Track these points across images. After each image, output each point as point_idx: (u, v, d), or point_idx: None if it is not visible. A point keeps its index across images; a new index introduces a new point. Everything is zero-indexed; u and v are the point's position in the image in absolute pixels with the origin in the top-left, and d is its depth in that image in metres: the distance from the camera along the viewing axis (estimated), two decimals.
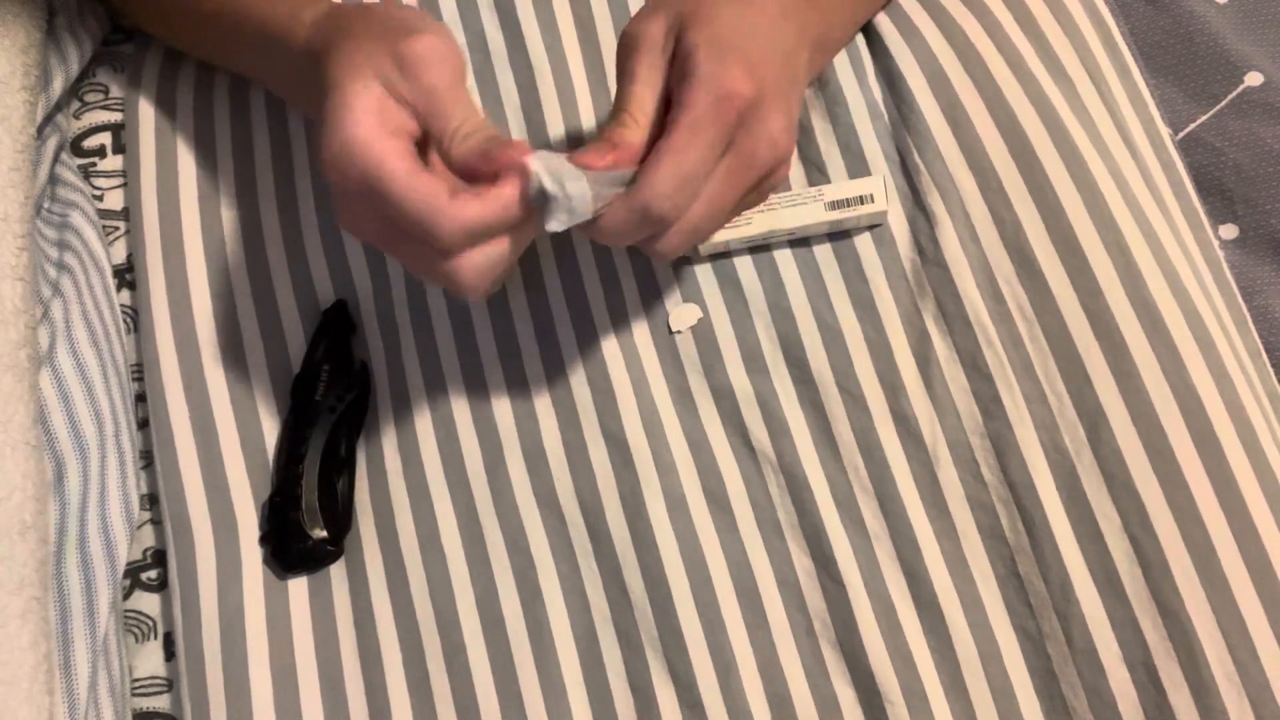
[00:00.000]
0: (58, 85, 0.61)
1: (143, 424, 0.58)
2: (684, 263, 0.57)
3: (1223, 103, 0.70)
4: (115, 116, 0.64)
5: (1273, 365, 0.57)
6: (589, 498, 0.54)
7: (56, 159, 0.61)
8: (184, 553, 0.54)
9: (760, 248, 0.56)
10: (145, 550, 0.57)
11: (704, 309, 0.56)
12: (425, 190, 0.42)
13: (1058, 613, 0.50)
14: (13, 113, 0.55)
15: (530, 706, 0.51)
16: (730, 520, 0.53)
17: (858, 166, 0.57)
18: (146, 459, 0.57)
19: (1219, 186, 0.69)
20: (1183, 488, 0.50)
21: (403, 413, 0.56)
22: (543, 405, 0.55)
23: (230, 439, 0.56)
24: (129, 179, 0.62)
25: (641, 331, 0.56)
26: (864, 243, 0.56)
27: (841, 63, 0.59)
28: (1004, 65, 0.57)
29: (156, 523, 0.57)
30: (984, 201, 0.55)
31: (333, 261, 0.59)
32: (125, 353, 0.59)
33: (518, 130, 0.59)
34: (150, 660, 0.55)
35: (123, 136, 0.64)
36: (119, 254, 0.61)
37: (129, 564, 0.56)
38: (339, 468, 0.55)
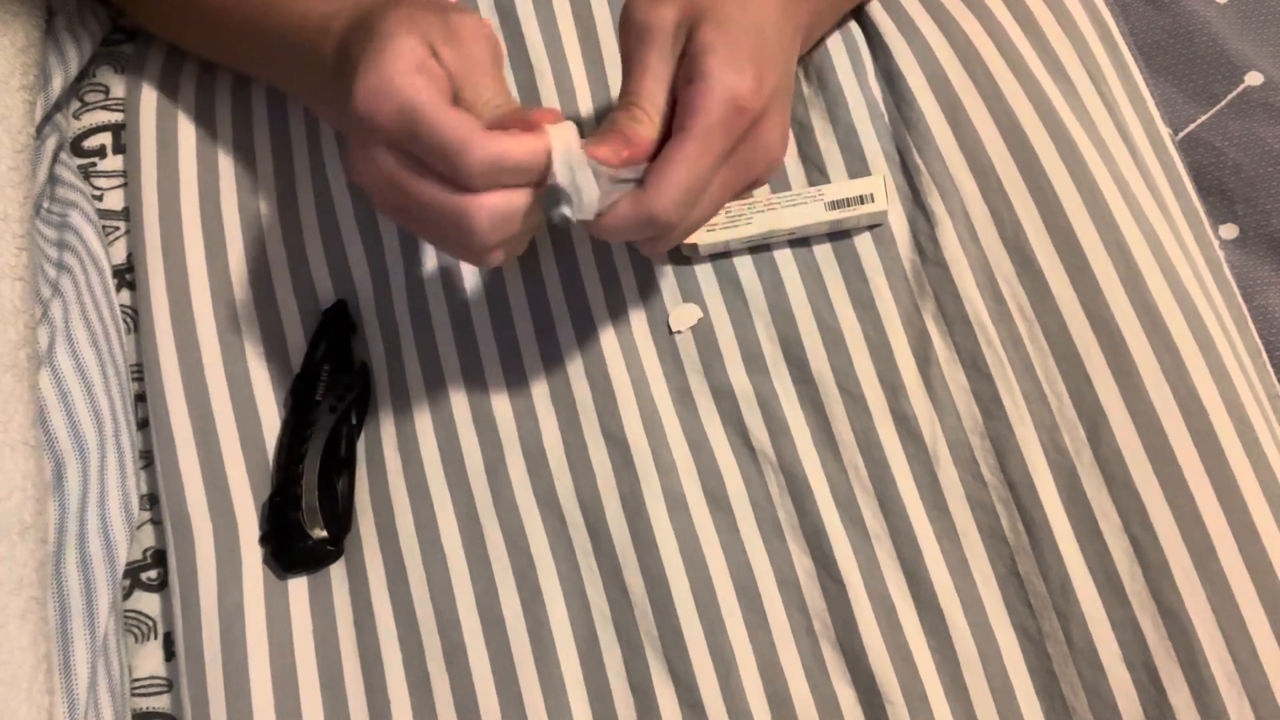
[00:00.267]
0: (57, 85, 0.61)
1: (143, 424, 0.58)
2: (684, 263, 0.57)
3: (1223, 103, 0.70)
4: (115, 116, 0.64)
5: (1273, 365, 0.57)
6: (589, 498, 0.54)
7: (56, 159, 0.61)
8: (184, 553, 0.54)
9: (760, 248, 0.56)
10: (145, 550, 0.57)
11: (704, 309, 0.56)
12: (460, 119, 0.42)
13: (1058, 612, 0.50)
14: (11, 112, 0.55)
15: (530, 706, 0.51)
16: (730, 520, 0.53)
17: (858, 166, 0.57)
18: (146, 459, 0.57)
19: (1219, 186, 0.69)
20: (1183, 488, 0.50)
21: (403, 413, 0.56)
22: (543, 405, 0.55)
23: (230, 439, 0.56)
24: (129, 179, 0.62)
25: (641, 331, 0.56)
26: (864, 243, 0.56)
27: (841, 62, 0.59)
28: (1004, 65, 0.57)
29: (156, 523, 0.57)
30: (984, 201, 0.55)
31: (333, 261, 0.59)
32: (125, 353, 0.58)
33: None
34: (150, 660, 0.55)
35: (123, 136, 0.64)
36: (119, 254, 0.61)
37: (129, 564, 0.56)
38: (339, 468, 0.55)
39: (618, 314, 0.56)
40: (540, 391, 0.55)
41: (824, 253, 0.56)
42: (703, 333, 0.55)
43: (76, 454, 0.53)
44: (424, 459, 0.55)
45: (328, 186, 0.60)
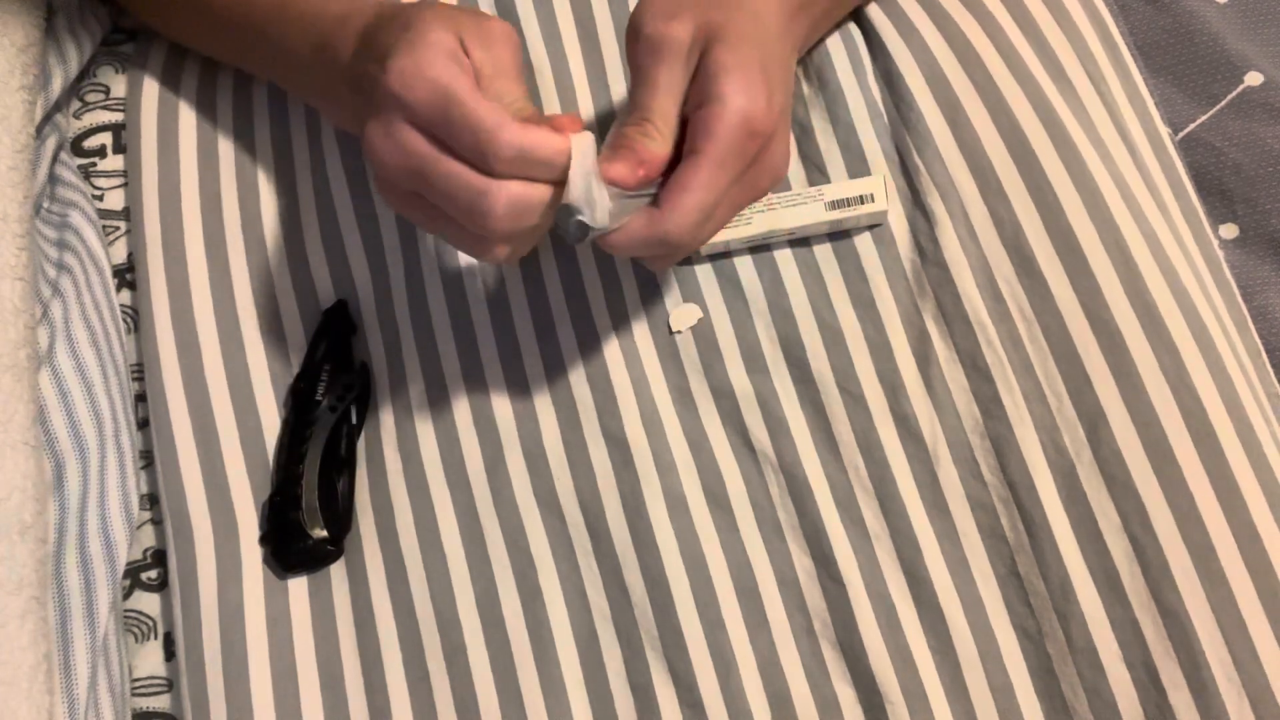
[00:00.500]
0: (57, 85, 0.61)
1: (143, 424, 0.58)
2: (684, 263, 0.57)
3: (1223, 103, 0.70)
4: (116, 116, 0.64)
5: (1273, 365, 0.57)
6: (589, 497, 0.54)
7: (56, 159, 0.61)
8: (184, 553, 0.54)
9: (760, 248, 0.56)
10: (145, 550, 0.57)
11: (704, 309, 0.56)
12: (492, 104, 0.42)
13: (1058, 612, 0.50)
14: (11, 112, 0.55)
15: (530, 706, 0.51)
16: (730, 520, 0.53)
17: (858, 166, 0.57)
18: (146, 459, 0.57)
19: (1219, 186, 0.69)
20: (1182, 488, 0.50)
21: (403, 413, 0.56)
22: (543, 405, 0.55)
23: (230, 439, 0.56)
24: (129, 179, 0.62)
25: (641, 331, 0.56)
26: (864, 242, 0.56)
27: (841, 63, 0.59)
28: (1003, 66, 0.57)
29: (156, 523, 0.57)
30: (983, 202, 0.55)
31: (333, 261, 0.59)
32: (125, 353, 0.58)
33: None
34: (150, 660, 0.55)
35: (123, 136, 0.64)
36: (119, 254, 0.61)
37: (129, 564, 0.56)
38: (339, 467, 0.55)
39: (618, 314, 0.56)
40: (540, 391, 0.55)
41: (824, 253, 0.56)
42: (703, 333, 0.55)
43: (76, 454, 0.53)
44: (424, 459, 0.55)
45: (328, 186, 0.60)
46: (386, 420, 0.56)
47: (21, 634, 0.47)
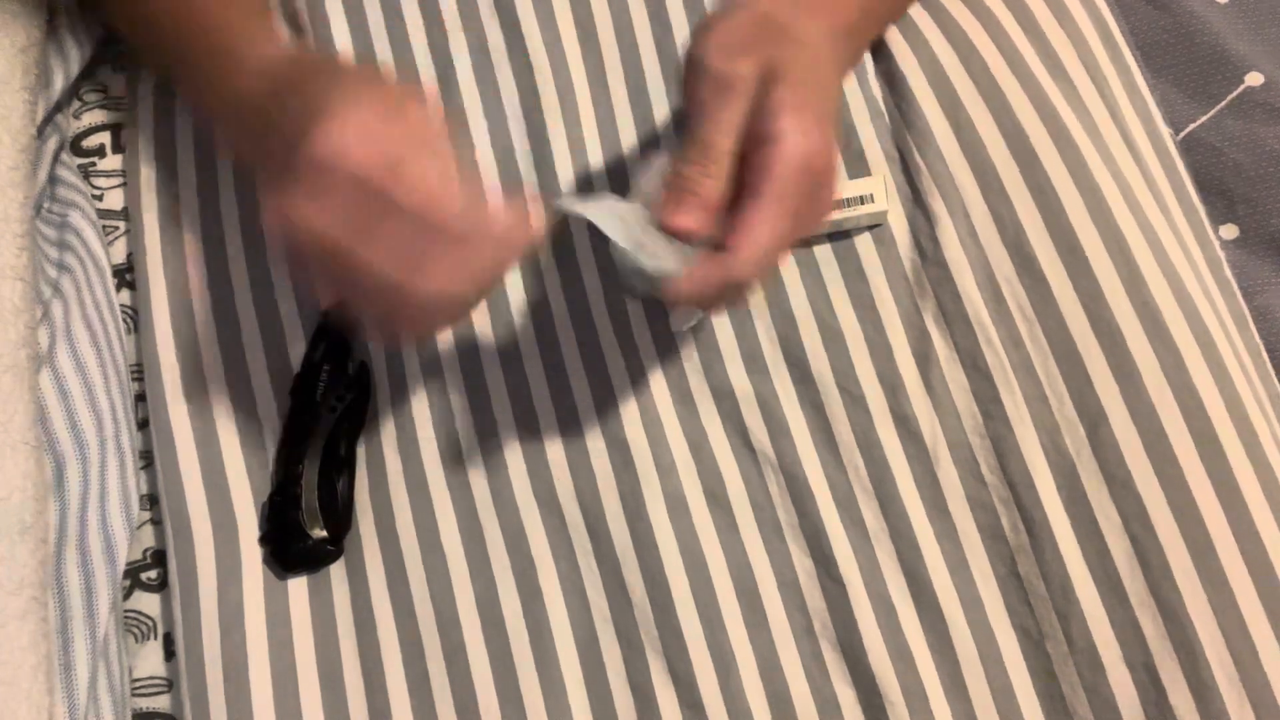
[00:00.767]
0: (58, 85, 0.61)
1: (143, 424, 0.58)
2: None
3: (1223, 103, 0.70)
4: (115, 116, 0.64)
5: (1273, 365, 0.57)
6: (589, 498, 0.54)
7: (56, 159, 0.61)
8: (184, 553, 0.54)
9: None
10: (145, 550, 0.57)
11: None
12: (445, 166, 0.42)
13: (1058, 613, 0.50)
14: (12, 112, 0.55)
15: (530, 706, 0.51)
16: (730, 520, 0.53)
17: (858, 166, 0.57)
18: (146, 459, 0.57)
19: (1219, 186, 0.69)
20: (1183, 488, 0.50)
21: (403, 413, 0.56)
22: (542, 405, 0.55)
23: (230, 439, 0.56)
24: (129, 179, 0.62)
25: (641, 331, 0.56)
26: (864, 243, 0.56)
27: None
28: (1005, 66, 0.57)
29: (156, 523, 0.57)
30: (984, 201, 0.55)
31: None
32: (125, 353, 0.58)
33: (518, 131, 0.59)
34: (150, 660, 0.55)
35: (123, 136, 0.64)
36: (119, 254, 0.61)
37: (129, 564, 0.56)
38: (339, 468, 0.55)
39: (618, 314, 0.56)
40: (540, 391, 0.55)
41: (824, 253, 0.56)
42: (703, 333, 0.55)
43: (76, 454, 0.53)
44: (424, 459, 0.55)
45: None
46: (386, 420, 0.56)
47: (21, 634, 0.47)
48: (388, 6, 0.61)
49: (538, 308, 0.57)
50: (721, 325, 0.55)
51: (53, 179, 0.61)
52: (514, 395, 0.55)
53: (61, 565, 0.51)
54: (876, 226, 0.56)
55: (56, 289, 0.56)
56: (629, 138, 0.58)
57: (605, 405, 0.55)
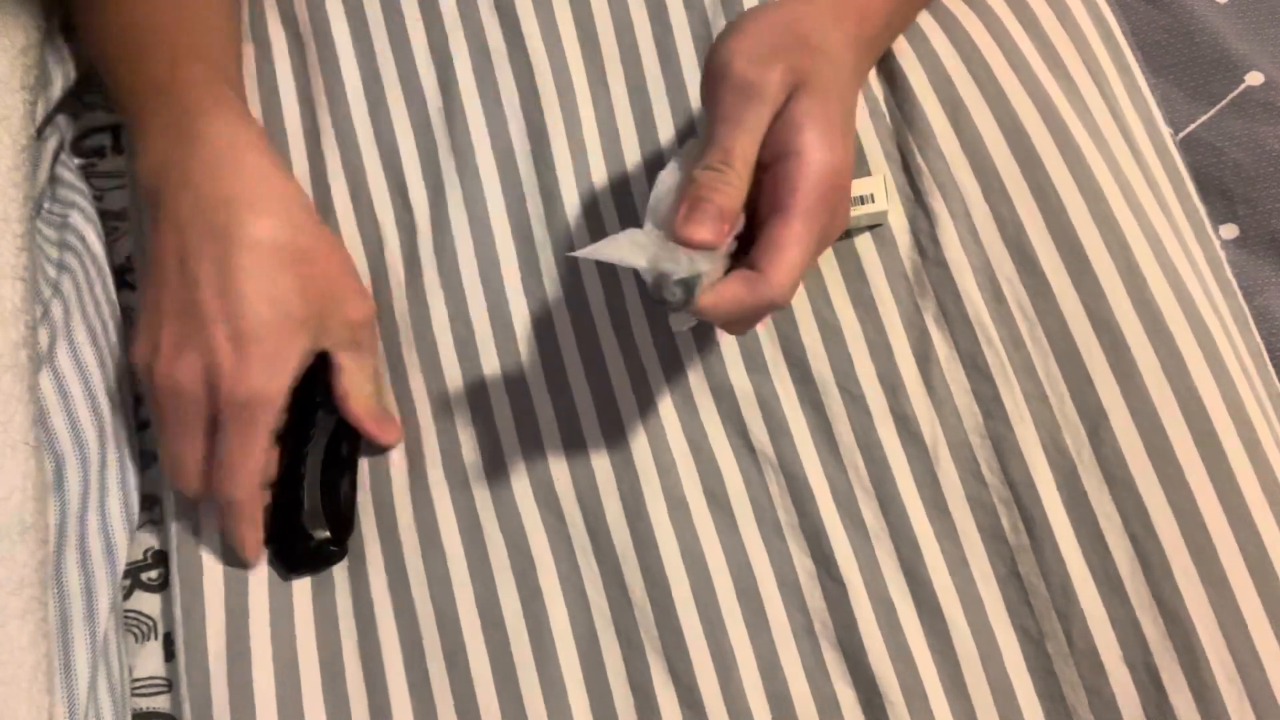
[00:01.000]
0: (57, 86, 0.61)
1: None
2: None
3: (1223, 102, 0.70)
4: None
5: (1273, 365, 0.57)
6: (589, 498, 0.54)
7: (56, 159, 0.61)
8: (187, 553, 0.54)
9: None
10: (145, 550, 0.57)
11: None
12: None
13: (1058, 613, 0.50)
14: (13, 113, 0.55)
15: (530, 706, 0.51)
16: (730, 520, 0.53)
17: (858, 166, 0.57)
18: (146, 459, 0.57)
19: (1219, 186, 0.69)
20: (1184, 488, 0.50)
21: (403, 413, 0.56)
22: (542, 405, 0.55)
23: None
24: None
25: (641, 331, 0.56)
26: (864, 242, 0.56)
27: None
28: (1006, 65, 0.57)
29: (156, 523, 0.57)
30: (985, 201, 0.55)
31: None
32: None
33: (518, 131, 0.59)
34: (150, 660, 0.55)
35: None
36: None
37: (129, 564, 0.56)
38: (341, 469, 0.55)
39: (618, 314, 0.56)
40: (539, 391, 0.55)
41: (824, 253, 0.56)
42: (703, 333, 0.55)
43: (76, 454, 0.53)
44: (424, 459, 0.55)
45: (326, 187, 0.60)
46: None
47: (21, 634, 0.47)
48: (388, 6, 0.61)
49: (537, 308, 0.57)
50: None
51: (53, 179, 0.61)
52: (513, 395, 0.55)
53: (61, 565, 0.51)
54: (877, 226, 0.56)
55: (56, 289, 0.56)
56: (629, 137, 0.58)
57: (605, 405, 0.55)
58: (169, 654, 0.55)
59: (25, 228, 0.53)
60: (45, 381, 0.53)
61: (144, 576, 0.56)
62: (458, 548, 0.54)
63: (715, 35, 0.58)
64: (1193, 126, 0.70)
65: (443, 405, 0.56)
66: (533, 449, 0.55)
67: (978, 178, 0.55)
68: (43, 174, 0.59)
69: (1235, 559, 0.49)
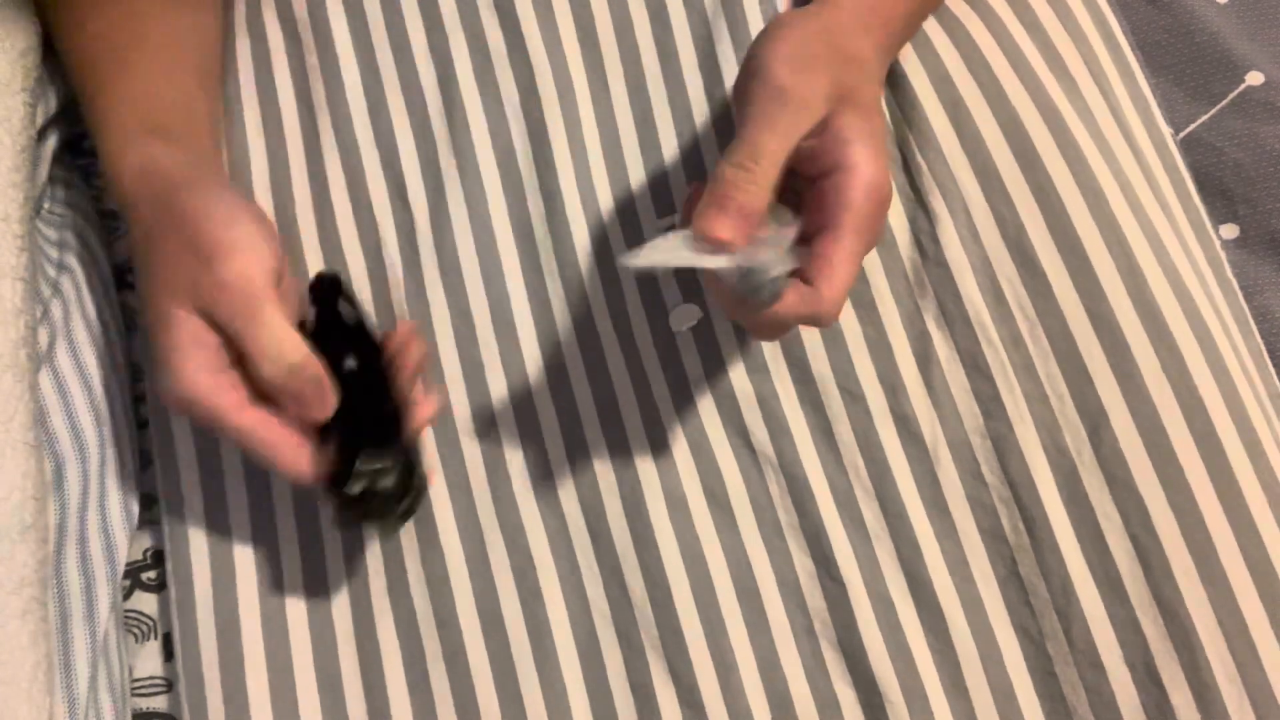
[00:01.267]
0: (58, 87, 0.61)
1: (143, 424, 0.58)
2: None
3: (1224, 102, 0.70)
4: None
5: (1274, 365, 0.57)
6: (589, 497, 0.54)
7: (56, 159, 0.61)
8: (180, 553, 0.54)
9: None
10: (145, 550, 0.57)
11: (704, 309, 0.56)
12: (270, 447, 0.47)
13: (1058, 613, 0.50)
14: (13, 114, 0.55)
15: (530, 706, 0.51)
16: (730, 520, 0.53)
17: None
18: (146, 459, 0.57)
19: (1220, 186, 0.69)
20: (1184, 488, 0.50)
21: None
22: (543, 404, 0.55)
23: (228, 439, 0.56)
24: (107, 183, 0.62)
25: (642, 331, 0.56)
26: None
27: None
28: (1007, 65, 0.57)
29: (156, 523, 0.57)
30: (986, 201, 0.55)
31: (330, 259, 0.59)
32: (125, 353, 0.59)
33: (518, 130, 0.59)
34: (150, 660, 0.55)
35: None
36: (119, 254, 0.61)
37: (129, 564, 0.56)
38: (387, 417, 0.51)
39: (618, 314, 0.56)
40: (540, 391, 0.55)
41: None
42: (703, 333, 0.55)
43: (76, 454, 0.53)
44: (424, 458, 0.55)
45: (325, 187, 0.60)
46: None
47: (21, 634, 0.47)
48: (388, 6, 0.61)
49: (538, 308, 0.57)
50: (722, 325, 0.55)
51: (53, 179, 0.61)
52: (514, 395, 0.55)
53: (61, 565, 0.51)
54: None
55: (56, 289, 0.56)
56: (629, 137, 0.58)
57: (605, 405, 0.55)
58: (169, 654, 0.55)
59: (25, 228, 0.53)
60: (45, 381, 0.53)
61: (144, 576, 0.56)
62: (457, 547, 0.54)
63: (715, 36, 0.59)
64: (1193, 126, 0.70)
65: (442, 405, 0.56)
66: (533, 449, 0.55)
67: (978, 178, 0.55)
68: (43, 174, 0.59)
69: (1235, 559, 0.49)
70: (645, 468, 0.53)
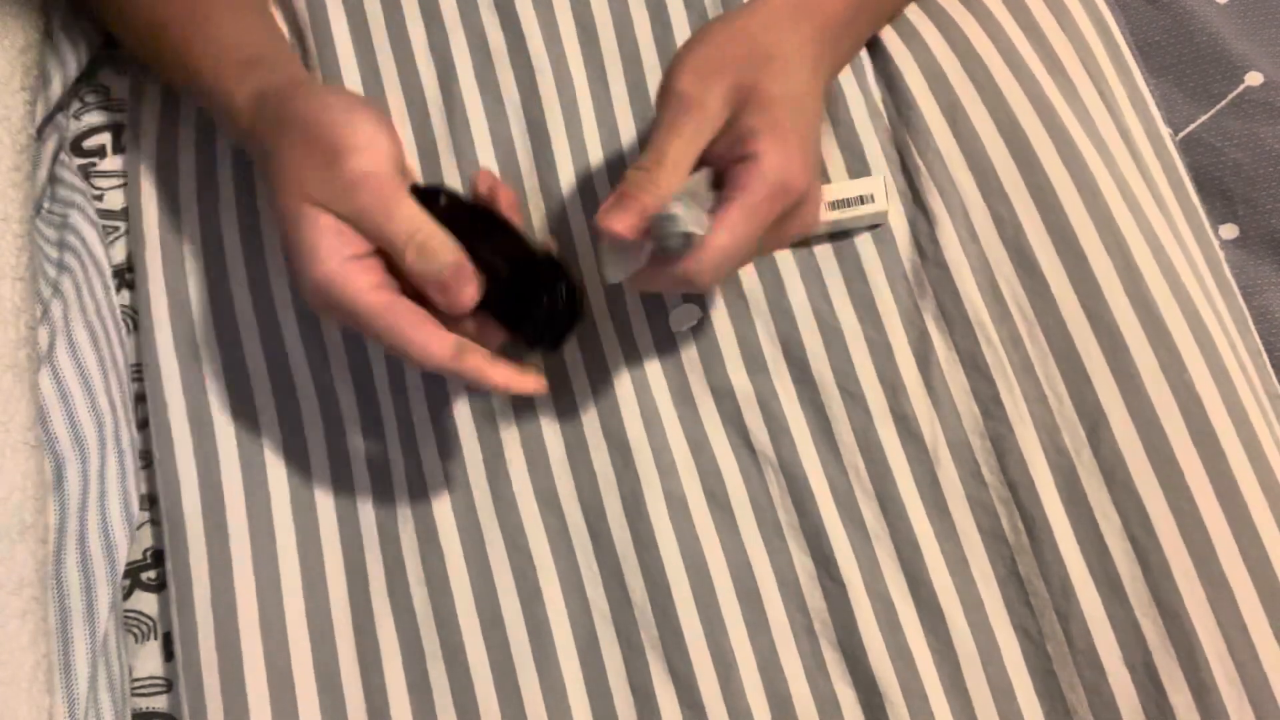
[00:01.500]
0: (56, 86, 0.61)
1: (143, 424, 0.58)
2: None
3: (1223, 102, 0.70)
4: (115, 117, 0.64)
5: (1273, 365, 0.57)
6: (589, 498, 0.54)
7: (56, 159, 0.61)
8: (179, 553, 0.54)
9: None
10: (145, 550, 0.57)
11: (703, 309, 0.56)
12: (403, 324, 0.46)
13: (1058, 613, 0.50)
14: (12, 113, 0.55)
15: (530, 706, 0.51)
16: (730, 520, 0.53)
17: (858, 166, 0.57)
18: (146, 459, 0.57)
19: (1219, 186, 0.69)
20: (1183, 488, 0.50)
21: (402, 412, 0.56)
22: (543, 404, 0.55)
23: (227, 440, 0.56)
24: (129, 179, 0.62)
25: (641, 331, 0.56)
26: (864, 243, 0.56)
27: None
28: (1004, 65, 0.57)
29: (156, 523, 0.57)
30: (984, 202, 0.55)
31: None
32: (125, 353, 0.58)
33: (518, 130, 0.59)
34: (150, 660, 0.55)
35: (123, 137, 0.64)
36: (119, 254, 0.61)
37: (129, 564, 0.56)
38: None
39: (618, 314, 0.56)
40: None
41: (824, 253, 0.56)
42: (703, 333, 0.55)
43: (76, 454, 0.53)
44: (423, 458, 0.55)
45: None
46: (388, 418, 0.56)
47: (21, 634, 0.47)
48: (388, 6, 0.61)
49: None
50: (722, 325, 0.55)
51: (53, 179, 0.61)
52: (514, 395, 0.55)
53: (61, 565, 0.51)
54: (876, 226, 0.56)
55: (56, 289, 0.56)
56: (629, 137, 0.58)
57: (605, 405, 0.55)
58: (169, 654, 0.55)
59: (25, 228, 0.53)
60: (45, 381, 0.53)
61: (144, 576, 0.56)
62: (457, 548, 0.54)
63: None
64: (1192, 126, 0.70)
65: (443, 403, 0.56)
66: (533, 449, 0.55)
67: (976, 178, 0.56)
68: (42, 174, 0.59)
69: (1235, 559, 0.49)
70: (645, 468, 0.54)
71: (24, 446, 0.49)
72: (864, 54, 0.59)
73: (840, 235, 0.56)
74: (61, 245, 0.58)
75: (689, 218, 0.44)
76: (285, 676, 0.52)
